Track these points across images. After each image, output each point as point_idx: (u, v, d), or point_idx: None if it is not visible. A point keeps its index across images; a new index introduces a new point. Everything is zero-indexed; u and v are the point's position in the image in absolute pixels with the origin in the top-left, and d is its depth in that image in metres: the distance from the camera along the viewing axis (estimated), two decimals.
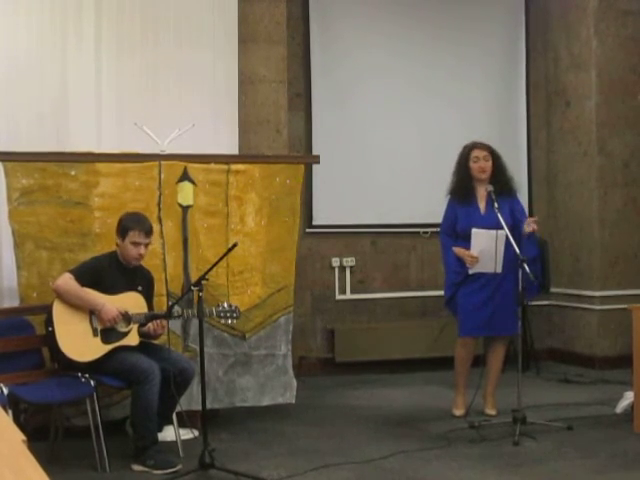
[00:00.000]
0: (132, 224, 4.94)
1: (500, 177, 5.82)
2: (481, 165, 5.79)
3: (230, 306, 4.98)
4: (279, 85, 7.11)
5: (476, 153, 5.81)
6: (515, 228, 5.64)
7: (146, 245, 4.98)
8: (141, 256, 4.98)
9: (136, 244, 4.93)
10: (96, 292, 4.85)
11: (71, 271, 4.88)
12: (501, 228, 5.50)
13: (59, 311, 4.80)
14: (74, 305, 4.81)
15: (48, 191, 5.27)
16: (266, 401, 5.80)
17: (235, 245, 4.81)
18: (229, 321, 5.03)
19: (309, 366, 7.51)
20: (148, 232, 4.96)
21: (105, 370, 4.80)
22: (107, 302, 4.83)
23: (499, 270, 5.64)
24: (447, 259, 5.90)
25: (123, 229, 4.94)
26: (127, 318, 4.88)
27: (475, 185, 5.84)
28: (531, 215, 7.82)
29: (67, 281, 4.81)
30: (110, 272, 4.94)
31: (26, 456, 2.14)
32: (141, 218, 5.02)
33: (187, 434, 5.23)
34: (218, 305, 5.02)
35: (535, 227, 5.58)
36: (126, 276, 4.99)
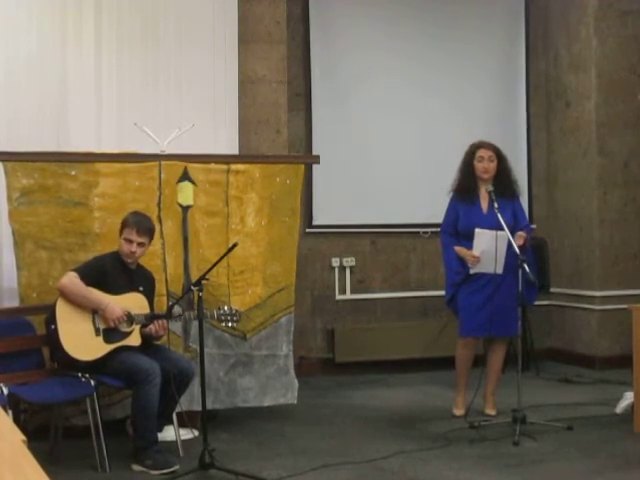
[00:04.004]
0: (129, 221, 4.96)
1: (503, 179, 5.82)
2: (485, 165, 5.79)
3: (231, 309, 4.99)
4: (279, 85, 7.12)
5: (481, 153, 5.81)
6: (516, 230, 5.65)
7: (139, 244, 4.96)
8: (132, 253, 4.96)
9: (128, 241, 4.94)
10: (100, 292, 4.86)
11: (75, 270, 4.89)
12: (502, 228, 5.50)
13: (62, 310, 4.80)
14: (78, 304, 4.82)
15: (48, 191, 5.27)
16: (268, 401, 5.80)
17: (235, 245, 4.82)
18: (229, 324, 5.04)
19: (309, 366, 7.50)
20: (141, 231, 4.95)
21: (106, 370, 4.81)
22: (111, 302, 4.84)
23: (499, 271, 5.64)
24: (448, 259, 5.90)
25: (122, 225, 4.98)
26: (130, 318, 4.88)
27: (478, 184, 5.84)
28: (531, 216, 7.85)
29: (72, 280, 4.81)
30: (113, 272, 4.95)
31: (26, 456, 2.15)
32: (140, 217, 5.03)
33: (187, 434, 5.23)
34: (219, 308, 5.02)
35: (522, 242, 5.55)
36: (128, 276, 5.00)
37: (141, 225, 4.96)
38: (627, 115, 7.77)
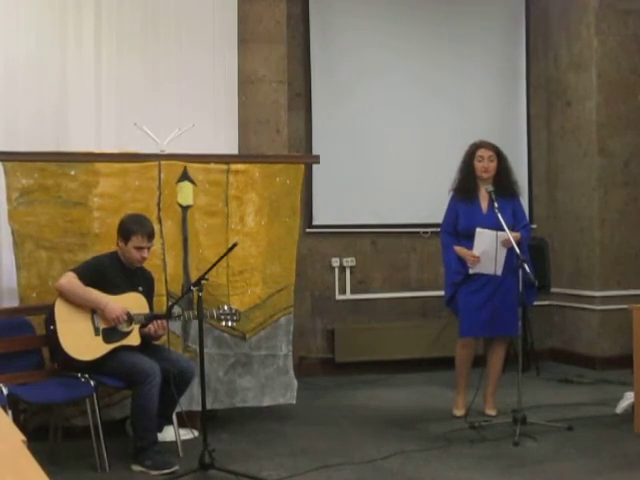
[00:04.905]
0: (135, 228, 4.92)
1: (503, 179, 5.81)
2: (485, 165, 5.78)
3: (230, 309, 4.99)
4: (279, 85, 7.11)
5: (481, 152, 5.80)
6: (516, 230, 5.65)
7: (149, 248, 4.98)
8: (144, 259, 4.99)
9: (139, 248, 4.93)
10: (99, 292, 4.85)
11: (74, 270, 4.88)
12: (501, 228, 5.50)
13: (61, 310, 4.79)
14: (77, 304, 4.81)
15: (48, 191, 5.26)
16: (267, 401, 5.80)
17: (235, 245, 4.81)
18: (229, 324, 5.03)
19: (309, 366, 7.50)
20: (151, 236, 4.97)
21: (105, 370, 4.80)
22: (111, 301, 4.83)
23: (499, 272, 5.63)
24: (447, 258, 5.89)
25: (126, 233, 4.93)
26: (129, 318, 4.88)
27: (478, 184, 5.83)
28: (531, 216, 7.84)
29: (70, 280, 4.81)
30: (112, 272, 4.94)
31: (26, 456, 2.14)
32: (144, 221, 5.01)
33: (187, 434, 5.23)
34: (219, 307, 5.02)
35: (507, 245, 5.54)
36: (127, 276, 4.99)
37: (149, 230, 4.96)
38: (628, 115, 7.77)
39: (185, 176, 5.53)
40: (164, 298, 5.34)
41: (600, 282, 7.70)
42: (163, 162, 5.46)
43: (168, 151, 5.58)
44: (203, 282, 4.65)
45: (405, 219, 7.90)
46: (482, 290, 5.72)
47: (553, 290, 7.87)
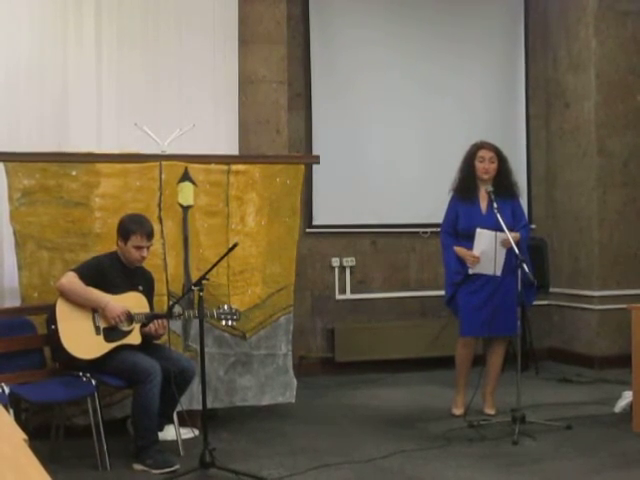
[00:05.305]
0: (134, 227, 4.95)
1: (503, 180, 5.83)
2: (485, 166, 5.80)
3: (230, 308, 5.01)
4: (279, 85, 7.13)
5: (482, 153, 5.81)
6: (515, 229, 5.67)
7: (148, 247, 5.00)
8: (143, 258, 5.01)
9: (139, 247, 4.95)
10: (99, 291, 4.87)
11: (74, 270, 4.90)
12: (501, 229, 5.51)
13: (62, 309, 4.82)
14: (78, 304, 4.84)
15: (49, 191, 5.28)
16: (266, 400, 5.82)
17: (235, 245, 4.83)
18: (229, 323, 5.05)
19: (309, 366, 7.51)
20: (150, 235, 4.99)
21: (106, 369, 4.82)
22: (111, 300, 4.86)
23: (498, 273, 5.65)
24: (447, 259, 5.90)
25: (125, 232, 4.95)
26: (130, 317, 4.90)
27: (478, 184, 5.85)
28: (530, 216, 7.85)
29: (71, 280, 4.83)
30: (112, 272, 4.96)
31: (27, 455, 2.15)
32: (143, 221, 5.03)
33: (188, 433, 5.25)
34: (219, 307, 5.04)
35: (506, 245, 5.56)
36: (127, 276, 5.01)
37: (147, 229, 4.98)
38: (626, 115, 7.78)
39: (186, 176, 5.54)
40: (165, 298, 5.36)
41: (599, 282, 7.72)
42: (164, 162, 5.48)
43: (169, 151, 5.60)
44: (204, 282, 4.67)
45: (405, 219, 7.91)
46: (482, 290, 5.74)
47: (552, 290, 7.88)
